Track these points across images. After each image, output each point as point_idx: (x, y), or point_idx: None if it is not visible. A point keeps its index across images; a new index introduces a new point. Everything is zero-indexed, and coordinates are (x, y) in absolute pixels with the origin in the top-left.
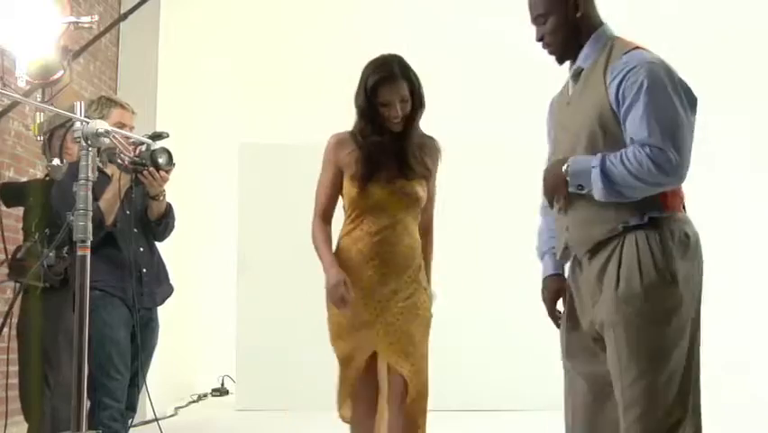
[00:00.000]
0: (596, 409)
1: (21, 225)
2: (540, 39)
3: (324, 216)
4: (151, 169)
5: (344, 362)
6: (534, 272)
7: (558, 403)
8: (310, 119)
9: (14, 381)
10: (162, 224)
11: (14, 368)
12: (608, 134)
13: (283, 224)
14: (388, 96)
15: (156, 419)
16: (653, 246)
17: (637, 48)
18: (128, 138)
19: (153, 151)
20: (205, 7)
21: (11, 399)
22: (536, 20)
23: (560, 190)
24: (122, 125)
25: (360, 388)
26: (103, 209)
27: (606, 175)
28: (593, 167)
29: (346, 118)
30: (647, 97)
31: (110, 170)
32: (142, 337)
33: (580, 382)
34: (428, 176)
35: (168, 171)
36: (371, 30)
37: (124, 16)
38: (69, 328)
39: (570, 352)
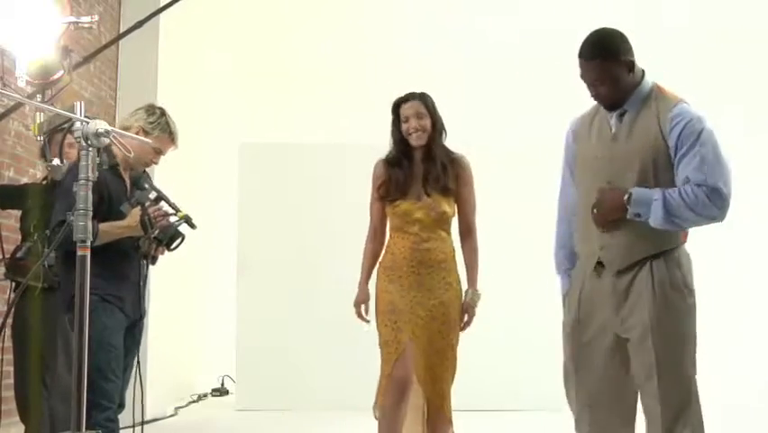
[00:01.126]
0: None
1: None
2: (596, 95)
3: (375, 230)
4: (162, 248)
5: (386, 344)
6: (536, 273)
7: (558, 404)
8: (310, 119)
9: (9, 381)
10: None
11: (9, 368)
12: (659, 170)
13: (283, 224)
14: (407, 112)
15: (142, 423)
16: (678, 266)
17: (681, 101)
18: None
19: (175, 235)
20: (206, 7)
21: (11, 398)
22: (594, 83)
23: (616, 215)
24: (159, 152)
25: (392, 378)
26: (100, 235)
27: (667, 207)
28: (655, 199)
29: (346, 118)
30: (703, 146)
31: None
32: (127, 340)
33: (592, 378)
34: (453, 193)
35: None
36: (372, 30)
37: (130, 30)
38: (67, 329)
39: (581, 359)
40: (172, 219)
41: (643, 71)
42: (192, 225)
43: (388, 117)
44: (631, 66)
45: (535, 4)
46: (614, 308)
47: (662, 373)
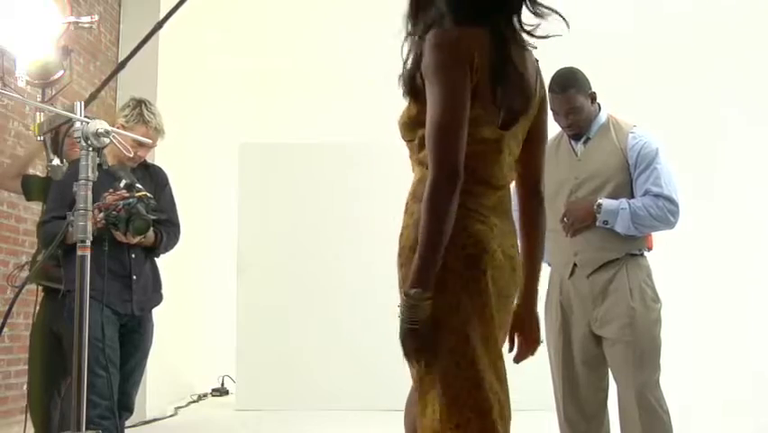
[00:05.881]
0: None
1: (21, 226)
2: (568, 125)
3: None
4: (119, 233)
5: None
6: None
7: (549, 404)
8: (310, 119)
9: (15, 380)
10: (153, 251)
11: (16, 368)
12: (619, 184)
13: (283, 223)
14: None
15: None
16: (647, 271)
17: (634, 126)
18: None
19: (132, 216)
20: (205, 7)
21: (11, 398)
22: (567, 112)
23: (586, 222)
24: (140, 143)
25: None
26: (68, 233)
27: (633, 216)
28: (622, 209)
29: (346, 118)
30: (659, 164)
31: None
32: (133, 341)
33: (581, 373)
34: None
35: (134, 238)
36: (372, 30)
37: (123, 64)
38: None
39: (566, 360)
40: (127, 202)
41: (599, 104)
42: (146, 206)
43: (389, 117)
44: (594, 97)
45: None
46: (591, 306)
47: (637, 361)
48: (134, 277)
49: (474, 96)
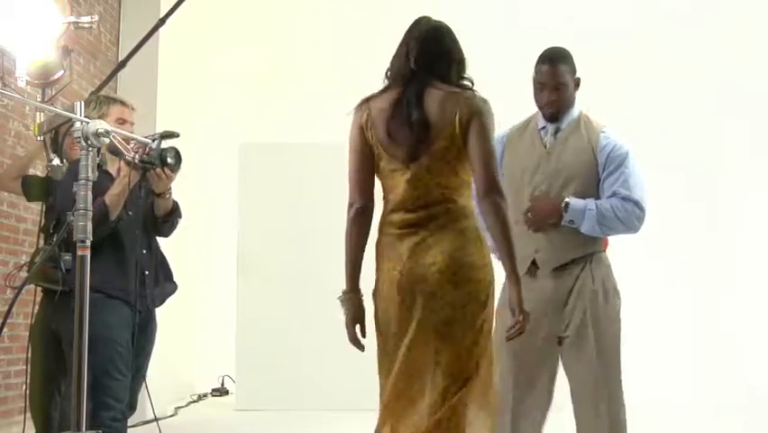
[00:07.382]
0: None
1: (21, 226)
2: (550, 101)
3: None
4: (158, 170)
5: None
6: None
7: (557, 403)
8: (310, 119)
9: (15, 380)
10: (169, 221)
11: (16, 368)
12: (586, 183)
13: (283, 224)
14: None
15: (156, 419)
16: (608, 270)
17: (605, 126)
18: (131, 139)
19: (163, 150)
20: (206, 7)
21: (11, 398)
22: (555, 86)
23: (551, 220)
24: (122, 121)
25: None
26: (108, 204)
27: (599, 217)
28: (589, 209)
29: (346, 118)
30: (628, 167)
31: (115, 165)
32: (141, 339)
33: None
34: None
35: (174, 171)
36: (373, 29)
37: (124, 63)
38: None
39: (524, 360)
40: (153, 144)
41: (575, 96)
42: (174, 135)
43: None
44: (578, 84)
45: (529, 5)
46: (557, 310)
47: (601, 363)
48: (147, 272)
49: (376, 144)
